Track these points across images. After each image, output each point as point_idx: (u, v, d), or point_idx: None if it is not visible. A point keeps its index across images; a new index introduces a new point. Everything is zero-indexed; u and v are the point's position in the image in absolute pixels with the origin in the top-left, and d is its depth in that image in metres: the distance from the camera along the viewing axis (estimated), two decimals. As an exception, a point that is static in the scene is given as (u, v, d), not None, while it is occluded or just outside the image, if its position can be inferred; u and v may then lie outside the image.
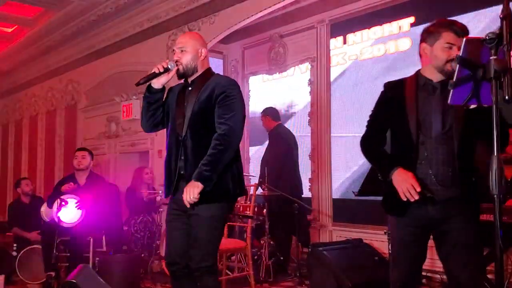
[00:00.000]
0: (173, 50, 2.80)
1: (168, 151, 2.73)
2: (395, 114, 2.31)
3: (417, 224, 2.26)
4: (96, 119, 8.49)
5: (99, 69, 8.48)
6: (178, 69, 2.70)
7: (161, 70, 2.66)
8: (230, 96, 2.62)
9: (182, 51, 2.71)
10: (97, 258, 4.35)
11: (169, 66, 2.67)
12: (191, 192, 2.48)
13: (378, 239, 4.95)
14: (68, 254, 4.46)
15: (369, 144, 2.43)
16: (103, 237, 4.74)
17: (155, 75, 2.67)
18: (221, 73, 7.46)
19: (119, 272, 4.13)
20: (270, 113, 5.63)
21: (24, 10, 8.02)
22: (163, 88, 2.76)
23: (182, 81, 2.83)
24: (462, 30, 2.21)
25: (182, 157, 2.64)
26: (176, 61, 2.70)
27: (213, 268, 2.61)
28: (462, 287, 2.20)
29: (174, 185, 2.67)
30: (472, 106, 1.89)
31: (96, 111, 8.50)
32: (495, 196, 1.64)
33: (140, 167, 6.25)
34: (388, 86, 2.41)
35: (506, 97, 1.62)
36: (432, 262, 4.79)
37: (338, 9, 6.06)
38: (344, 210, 5.87)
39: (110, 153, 8.16)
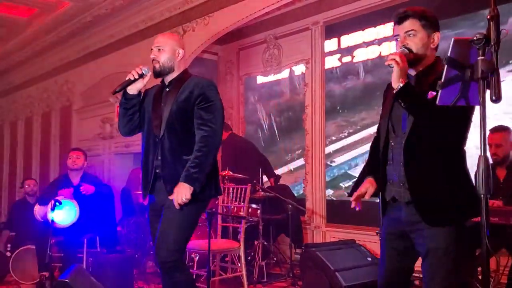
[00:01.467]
0: (151, 49, 2.82)
1: (144, 152, 2.76)
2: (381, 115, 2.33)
3: (392, 225, 2.20)
4: (91, 120, 8.48)
5: (94, 70, 8.48)
6: (154, 67, 2.74)
7: (136, 76, 2.71)
8: (209, 97, 2.66)
9: (159, 50, 2.76)
10: (91, 258, 4.34)
11: (144, 72, 2.72)
12: (183, 193, 2.53)
13: (371, 240, 4.97)
14: (62, 254, 4.45)
15: (371, 145, 2.45)
16: (97, 238, 4.74)
17: (131, 82, 2.73)
18: (216, 74, 7.56)
19: (113, 272, 4.12)
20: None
21: (18, 11, 8.01)
22: (139, 93, 2.80)
23: (159, 82, 2.86)
24: (397, 17, 2.18)
25: (159, 157, 2.67)
26: (153, 60, 2.74)
27: (179, 263, 2.61)
28: None
29: (150, 185, 2.71)
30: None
31: (91, 112, 8.49)
32: (482, 196, 1.65)
33: (137, 168, 6.24)
34: (386, 87, 2.42)
35: (493, 97, 1.65)
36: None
37: (332, 11, 6.08)
38: (338, 211, 5.89)
39: (104, 154, 8.16)
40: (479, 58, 1.67)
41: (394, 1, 5.24)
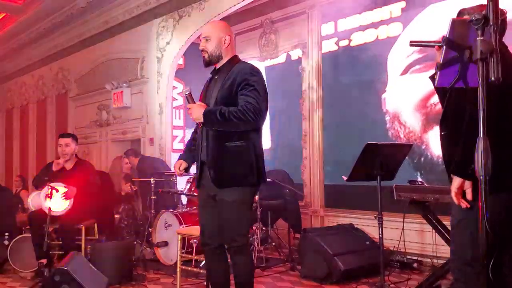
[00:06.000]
0: (200, 39, 2.88)
1: (197, 141, 2.86)
2: None
3: None
4: (87, 107, 8.44)
5: (89, 57, 8.41)
6: (203, 57, 2.81)
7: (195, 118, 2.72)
8: (250, 83, 2.66)
9: (206, 40, 2.80)
10: (89, 246, 4.34)
11: (187, 94, 2.78)
12: (194, 111, 2.66)
13: (369, 224, 4.98)
14: (60, 242, 4.45)
15: None
16: (95, 225, 4.74)
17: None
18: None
19: (111, 260, 4.12)
20: (131, 153, 6.12)
21: (12, -2, 7.93)
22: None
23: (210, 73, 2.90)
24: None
25: (204, 144, 2.75)
26: (201, 50, 2.80)
27: (243, 248, 2.73)
28: None
29: (199, 173, 2.80)
30: None
31: (87, 100, 8.45)
32: (481, 177, 1.64)
33: (119, 156, 6.23)
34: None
35: (492, 78, 1.62)
36: (423, 247, 4.86)
37: (329, -5, 6.02)
38: (336, 196, 5.89)
39: (101, 141, 8.14)
40: (478, 38, 1.64)
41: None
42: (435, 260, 4.54)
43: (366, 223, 5.11)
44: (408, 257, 4.68)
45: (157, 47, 7.03)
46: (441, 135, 2.25)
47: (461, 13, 2.17)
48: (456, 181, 2.06)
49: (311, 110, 6.23)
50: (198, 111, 2.65)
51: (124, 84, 7.40)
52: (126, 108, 7.45)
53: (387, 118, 5.44)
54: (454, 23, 1.77)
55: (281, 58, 6.72)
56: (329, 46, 6.09)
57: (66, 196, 4.31)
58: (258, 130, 2.76)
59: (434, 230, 3.71)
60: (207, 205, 2.82)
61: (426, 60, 5.01)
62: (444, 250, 4.03)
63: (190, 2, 6.51)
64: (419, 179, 4.76)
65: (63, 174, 4.48)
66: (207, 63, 2.82)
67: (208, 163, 2.71)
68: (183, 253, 4.28)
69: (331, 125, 6.04)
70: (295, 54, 6.52)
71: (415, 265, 4.65)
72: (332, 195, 5.98)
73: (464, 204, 2.07)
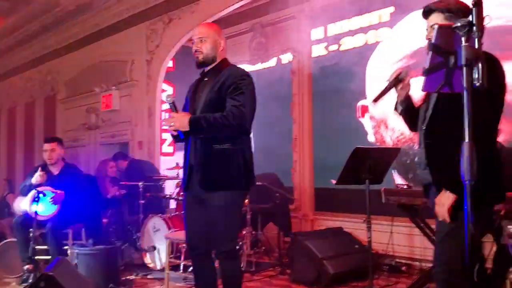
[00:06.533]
0: (192, 40, 2.81)
1: (185, 144, 2.81)
2: None
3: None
4: (76, 110, 8.38)
5: (78, 59, 8.36)
6: (197, 58, 2.76)
7: (173, 131, 2.70)
8: (240, 87, 2.64)
9: (202, 40, 2.75)
10: (76, 251, 4.29)
11: (171, 104, 2.70)
12: (178, 120, 2.60)
13: (358, 228, 4.98)
14: (47, 247, 4.39)
15: None
16: (83, 229, 4.69)
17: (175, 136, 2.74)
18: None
19: (99, 265, 4.08)
20: (120, 156, 6.13)
21: (1, -1, 7.86)
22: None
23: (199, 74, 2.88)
24: (423, 11, 2.22)
25: (193, 147, 2.72)
26: (195, 50, 2.75)
27: (232, 253, 2.71)
28: None
29: (188, 177, 2.75)
30: None
31: (76, 102, 8.39)
32: (467, 182, 1.64)
33: (105, 160, 6.16)
34: None
35: (477, 84, 1.63)
36: (411, 250, 4.87)
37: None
38: (325, 199, 5.90)
39: (90, 144, 8.08)
40: (463, 44, 1.65)
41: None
42: (423, 263, 4.56)
43: (355, 226, 5.11)
44: (397, 260, 4.69)
45: (147, 49, 7.00)
46: (426, 144, 2.18)
47: (431, 10, 2.17)
48: (450, 198, 2.00)
49: (301, 114, 6.24)
50: (182, 120, 2.60)
51: (113, 87, 7.36)
52: (115, 111, 7.40)
53: (373, 123, 5.50)
54: (440, 29, 1.78)
55: (272, 62, 6.72)
56: (319, 50, 6.10)
57: (54, 200, 4.27)
58: (247, 133, 2.74)
59: (422, 233, 3.73)
60: (194, 209, 2.77)
61: (416, 66, 5.04)
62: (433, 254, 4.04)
63: (180, 5, 6.49)
64: (405, 182, 4.77)
65: (50, 179, 4.43)
66: (201, 64, 2.78)
67: (196, 166, 2.68)
68: (171, 258, 4.26)
69: (321, 128, 6.05)
70: (286, 58, 6.53)
71: (403, 268, 4.66)
72: (322, 199, 5.98)
73: (448, 219, 2.03)
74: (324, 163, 5.91)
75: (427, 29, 2.20)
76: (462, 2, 2.18)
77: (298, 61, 6.31)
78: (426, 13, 2.19)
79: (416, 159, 2.37)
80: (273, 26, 6.66)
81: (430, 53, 1.80)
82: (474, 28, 1.61)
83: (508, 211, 3.24)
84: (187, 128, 2.58)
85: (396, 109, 2.42)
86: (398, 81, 2.32)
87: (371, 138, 5.52)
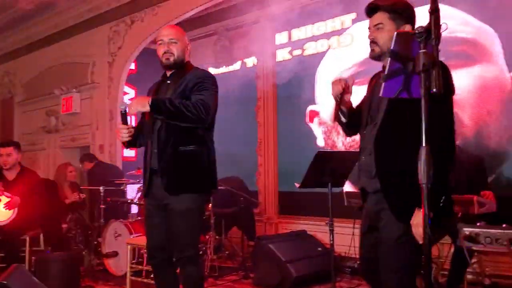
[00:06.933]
0: (160, 41, 2.73)
1: (145, 147, 2.75)
2: None
3: (365, 215, 2.28)
4: (34, 113, 8.12)
5: (37, 60, 8.11)
6: (168, 60, 2.70)
7: (125, 138, 2.67)
8: (205, 86, 2.63)
9: (173, 43, 2.70)
10: (34, 258, 4.16)
11: (123, 111, 2.66)
12: (139, 103, 2.53)
13: (321, 230, 5.03)
14: (2, 254, 4.23)
15: None
16: (41, 235, 4.55)
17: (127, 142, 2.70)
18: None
19: (58, 272, 3.95)
20: (86, 158, 6.11)
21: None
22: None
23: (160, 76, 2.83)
24: (367, 9, 2.17)
25: (155, 150, 2.64)
26: (166, 52, 2.69)
27: (195, 258, 2.66)
28: None
29: (147, 181, 2.69)
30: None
31: (35, 105, 8.13)
32: (424, 185, 1.68)
33: (64, 164, 6.00)
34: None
35: (434, 90, 1.67)
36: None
37: (283, 4, 6.08)
38: (290, 203, 5.94)
39: (49, 148, 7.85)
40: (420, 51, 1.69)
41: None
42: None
43: (318, 229, 5.16)
44: (359, 262, 4.75)
45: (109, 51, 6.87)
46: (376, 152, 2.09)
47: (376, 7, 2.13)
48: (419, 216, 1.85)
49: (266, 118, 6.27)
50: (142, 99, 2.55)
51: (74, 89, 7.18)
52: (75, 114, 7.23)
53: (324, 128, 5.64)
54: (399, 36, 1.82)
55: (236, 66, 6.72)
56: (283, 55, 6.15)
57: (8, 206, 4.12)
58: (210, 135, 2.73)
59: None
60: (155, 216, 2.71)
61: (366, 74, 5.13)
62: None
63: (143, 7, 6.41)
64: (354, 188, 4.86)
65: (5, 184, 4.28)
66: (171, 66, 2.72)
67: (161, 169, 2.62)
68: (133, 263, 4.18)
69: (286, 132, 6.10)
70: (250, 62, 6.55)
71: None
72: (286, 202, 6.02)
73: None
74: (289, 166, 5.96)
75: (369, 28, 2.16)
76: (407, 3, 2.15)
77: (262, 65, 6.34)
78: (371, 11, 2.14)
79: (358, 165, 2.31)
80: (237, 29, 6.67)
81: (389, 59, 1.85)
82: (432, 35, 1.66)
83: (464, 213, 3.37)
84: (147, 108, 2.50)
85: (337, 120, 2.37)
86: (342, 92, 2.27)
87: (320, 142, 5.71)
